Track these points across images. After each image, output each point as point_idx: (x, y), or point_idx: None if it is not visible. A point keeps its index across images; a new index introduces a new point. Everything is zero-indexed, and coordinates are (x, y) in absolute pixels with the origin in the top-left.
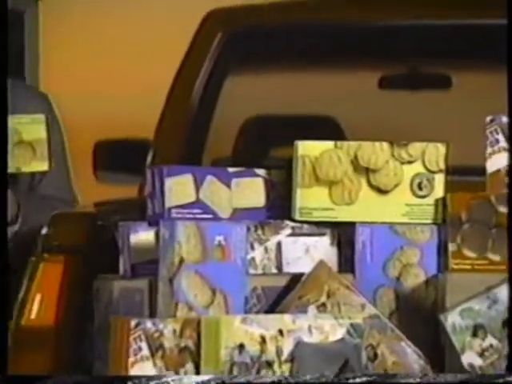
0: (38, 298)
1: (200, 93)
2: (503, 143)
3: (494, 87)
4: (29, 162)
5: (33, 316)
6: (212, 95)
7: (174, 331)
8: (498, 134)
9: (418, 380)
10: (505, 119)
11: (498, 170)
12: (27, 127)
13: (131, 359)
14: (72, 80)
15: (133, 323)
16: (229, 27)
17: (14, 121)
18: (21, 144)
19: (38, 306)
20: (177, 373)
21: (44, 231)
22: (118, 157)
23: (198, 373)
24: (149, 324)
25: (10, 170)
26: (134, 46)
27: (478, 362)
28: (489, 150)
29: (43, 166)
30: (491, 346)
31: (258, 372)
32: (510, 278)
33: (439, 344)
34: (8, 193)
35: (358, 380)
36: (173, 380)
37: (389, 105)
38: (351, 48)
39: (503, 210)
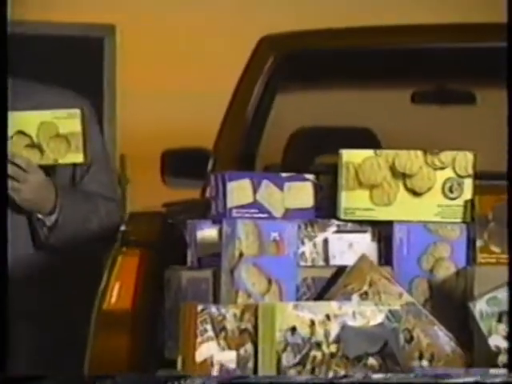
0: (117, 286)
1: (254, 108)
2: None
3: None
4: (64, 155)
5: (113, 301)
6: (264, 110)
7: (235, 315)
8: None
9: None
10: None
11: None
12: (63, 121)
13: (198, 339)
14: (143, 99)
15: (199, 308)
16: (279, 51)
17: (51, 115)
18: (57, 137)
19: (117, 292)
20: (238, 351)
21: (122, 228)
22: (182, 164)
23: (256, 352)
24: (213, 309)
25: (47, 161)
26: (197, 67)
27: (502, 344)
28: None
29: (78, 158)
30: None
31: (309, 352)
32: (510, 277)
33: (468, 328)
34: (47, 182)
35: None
36: None
37: (420, 118)
38: (387, 68)
39: None
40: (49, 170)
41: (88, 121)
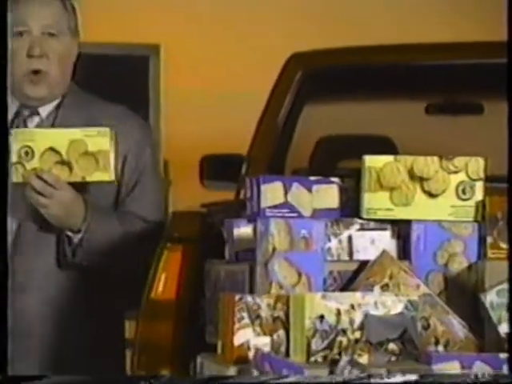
0: (163, 277)
1: (283, 118)
2: None
3: None
4: (92, 172)
5: (159, 291)
6: (293, 120)
7: (269, 304)
8: None
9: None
10: None
11: None
12: (93, 139)
13: (236, 326)
14: (184, 111)
15: (237, 298)
16: (307, 67)
17: (81, 133)
18: (86, 155)
19: (163, 283)
20: (271, 337)
21: (167, 226)
22: (219, 168)
23: (287, 337)
24: (249, 298)
25: (76, 178)
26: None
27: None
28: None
29: (105, 177)
30: None
31: (336, 337)
32: (510, 275)
33: (479, 317)
34: (76, 199)
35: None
36: None
37: (433, 127)
38: (404, 82)
39: None
40: (89, 187)
41: (143, 142)
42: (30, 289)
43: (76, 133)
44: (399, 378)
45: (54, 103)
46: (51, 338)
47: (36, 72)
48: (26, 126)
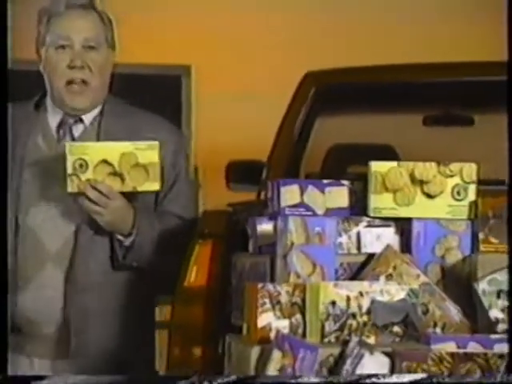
0: (194, 268)
1: (299, 129)
2: None
3: (504, 124)
4: (142, 183)
5: (192, 280)
6: (307, 131)
7: (288, 292)
8: None
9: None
10: None
11: None
12: (143, 152)
13: (259, 310)
14: (212, 124)
15: (259, 286)
16: (319, 84)
17: (132, 146)
18: (136, 166)
19: (195, 273)
20: (290, 320)
21: (198, 224)
22: (242, 173)
23: (304, 321)
24: (270, 286)
25: (127, 189)
26: (253, 98)
27: (500, 316)
28: (509, 167)
29: (155, 187)
30: (510, 305)
31: (346, 321)
32: (510, 273)
33: (472, 303)
34: (126, 207)
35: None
36: None
37: (430, 136)
38: (404, 97)
39: None
40: (129, 196)
41: (178, 150)
42: (89, 288)
43: (127, 146)
44: (394, 379)
45: (96, 111)
46: (106, 332)
47: (78, 82)
48: (71, 133)
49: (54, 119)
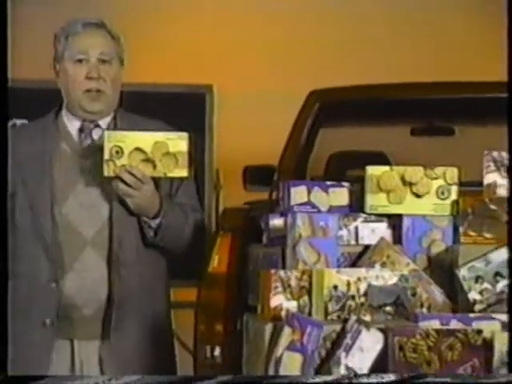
0: (216, 257)
1: (305, 139)
2: (493, 167)
3: (480, 134)
4: (172, 170)
5: (214, 267)
6: (311, 140)
7: (296, 277)
8: (490, 161)
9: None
10: (495, 153)
11: (490, 184)
12: (173, 141)
13: (272, 293)
14: (232, 136)
15: (272, 272)
16: (323, 100)
17: (163, 136)
18: (167, 154)
19: (217, 261)
20: (298, 301)
21: (219, 219)
22: (257, 175)
23: (310, 302)
24: (282, 273)
25: (158, 174)
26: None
27: (478, 297)
28: (485, 171)
29: (183, 173)
30: (486, 288)
31: (346, 302)
32: (510, 272)
33: (454, 287)
34: (155, 192)
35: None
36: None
37: (417, 145)
38: (395, 112)
39: (493, 207)
40: (156, 182)
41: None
42: (127, 267)
43: (160, 135)
44: (378, 379)
45: (110, 117)
46: (144, 311)
47: (94, 90)
48: (91, 136)
49: (72, 126)
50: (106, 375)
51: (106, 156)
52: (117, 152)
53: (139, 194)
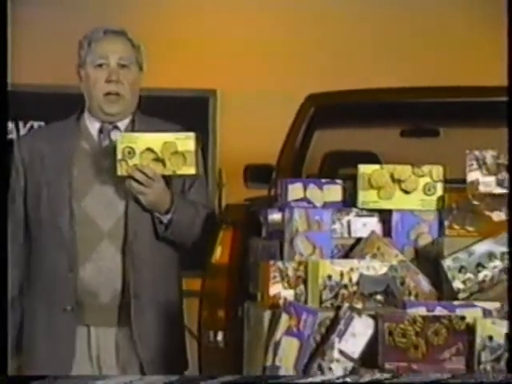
0: (219, 249)
1: (301, 140)
2: (475, 165)
3: (464, 135)
4: (181, 168)
5: (217, 258)
6: (307, 141)
7: (294, 268)
8: (472, 160)
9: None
10: (477, 152)
11: (472, 181)
12: (182, 141)
13: (271, 282)
14: (234, 138)
15: (271, 263)
16: (318, 104)
17: (172, 136)
18: (176, 154)
19: (220, 253)
20: (295, 290)
21: (222, 214)
22: (257, 174)
23: (306, 290)
24: (280, 264)
25: (168, 172)
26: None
27: (461, 286)
28: (468, 169)
29: (191, 171)
30: (469, 278)
31: (339, 290)
32: (510, 271)
33: (439, 276)
34: (166, 189)
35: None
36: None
37: (406, 145)
38: (386, 114)
39: (476, 202)
40: (167, 180)
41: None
42: (141, 258)
43: (169, 136)
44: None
45: (128, 119)
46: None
47: (113, 93)
48: (110, 137)
49: (93, 127)
50: (108, 376)
51: (119, 156)
52: (129, 152)
53: (150, 191)
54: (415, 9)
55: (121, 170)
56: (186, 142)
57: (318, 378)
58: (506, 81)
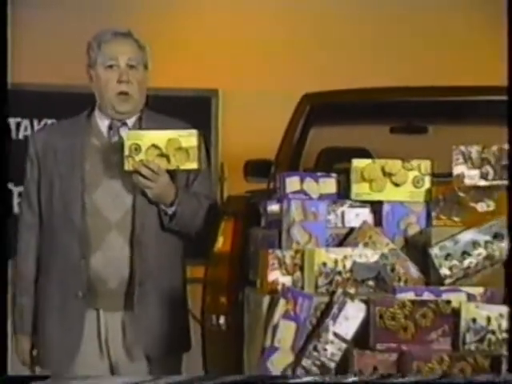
0: (221, 238)
1: (298, 136)
2: (461, 160)
3: (450, 132)
4: (184, 163)
5: (219, 246)
6: (304, 137)
7: (291, 255)
8: (458, 154)
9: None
10: (462, 147)
11: (458, 174)
12: (185, 138)
13: (269, 269)
14: (235, 134)
15: (270, 251)
16: (313, 103)
17: (176, 133)
18: (179, 149)
19: (221, 242)
20: (292, 276)
21: (224, 205)
22: (256, 168)
23: (303, 276)
24: (278, 252)
25: (172, 167)
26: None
27: (447, 272)
28: (454, 163)
29: (194, 166)
30: (454, 265)
31: (334, 277)
32: (510, 271)
33: (427, 263)
34: (170, 182)
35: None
36: None
37: (395, 141)
38: (376, 112)
39: (462, 194)
40: (172, 174)
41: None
42: (148, 247)
43: (173, 133)
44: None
45: (136, 116)
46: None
47: (124, 93)
48: (119, 134)
49: (103, 124)
50: (99, 376)
51: (126, 152)
52: (135, 149)
53: (156, 185)
54: (415, 9)
55: (128, 166)
56: (189, 138)
57: (309, 378)
58: (506, 81)
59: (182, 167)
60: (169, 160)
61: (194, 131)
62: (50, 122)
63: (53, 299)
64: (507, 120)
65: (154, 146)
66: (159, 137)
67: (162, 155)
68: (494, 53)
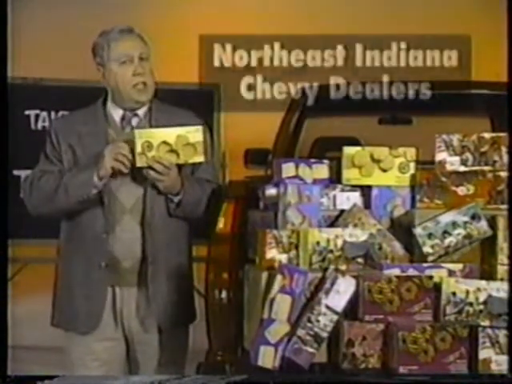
0: (223, 219)
1: (293, 127)
2: (443, 147)
3: (433, 123)
4: (192, 157)
5: (221, 227)
6: (299, 128)
7: (287, 235)
8: (440, 142)
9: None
10: (444, 135)
11: (440, 160)
12: (192, 134)
13: (267, 247)
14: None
15: (268, 231)
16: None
17: (184, 130)
18: (188, 145)
19: (222, 223)
20: (288, 254)
21: (226, 189)
22: (255, 156)
23: (298, 254)
24: (275, 232)
25: (181, 161)
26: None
27: (430, 250)
28: (436, 150)
29: (200, 159)
30: (436, 243)
31: (326, 255)
32: (510, 272)
33: (412, 242)
34: (178, 175)
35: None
36: None
37: (383, 131)
38: (366, 105)
39: (444, 179)
40: (179, 165)
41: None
42: (157, 230)
43: (181, 130)
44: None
45: (146, 107)
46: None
47: (141, 84)
48: (130, 123)
49: (116, 114)
50: (116, 377)
51: (139, 150)
52: (147, 146)
53: (167, 178)
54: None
55: (140, 162)
56: (195, 134)
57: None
58: (505, 78)
59: (190, 161)
60: (178, 155)
61: (200, 127)
62: (66, 113)
63: (77, 266)
64: (507, 120)
65: (165, 142)
66: (169, 134)
67: (172, 151)
68: (494, 52)
